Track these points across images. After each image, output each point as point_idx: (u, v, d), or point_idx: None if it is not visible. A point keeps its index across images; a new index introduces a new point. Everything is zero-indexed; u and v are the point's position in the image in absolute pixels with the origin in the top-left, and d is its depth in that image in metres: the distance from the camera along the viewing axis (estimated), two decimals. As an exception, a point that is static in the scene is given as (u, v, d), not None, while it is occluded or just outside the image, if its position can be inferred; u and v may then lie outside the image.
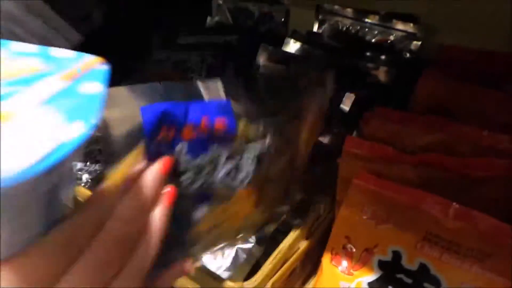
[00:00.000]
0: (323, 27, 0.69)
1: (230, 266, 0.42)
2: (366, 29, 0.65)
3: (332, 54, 0.59)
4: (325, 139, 0.50)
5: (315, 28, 0.70)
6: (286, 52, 0.60)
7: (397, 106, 0.52)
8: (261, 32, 0.73)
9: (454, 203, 0.38)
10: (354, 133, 0.51)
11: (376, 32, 0.64)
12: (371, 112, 0.49)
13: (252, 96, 0.33)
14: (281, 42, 0.66)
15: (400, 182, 0.42)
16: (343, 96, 0.53)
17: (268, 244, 0.44)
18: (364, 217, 0.41)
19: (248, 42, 0.67)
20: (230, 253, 0.43)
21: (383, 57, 0.57)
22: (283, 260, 0.39)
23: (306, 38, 0.63)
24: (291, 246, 0.40)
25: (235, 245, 0.43)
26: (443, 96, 0.49)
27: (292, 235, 0.41)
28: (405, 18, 0.62)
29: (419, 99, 0.50)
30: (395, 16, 0.63)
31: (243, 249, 0.43)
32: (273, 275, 0.38)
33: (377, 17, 0.64)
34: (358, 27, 0.66)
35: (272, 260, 0.37)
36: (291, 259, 0.40)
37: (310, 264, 0.43)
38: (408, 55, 0.60)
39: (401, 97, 0.54)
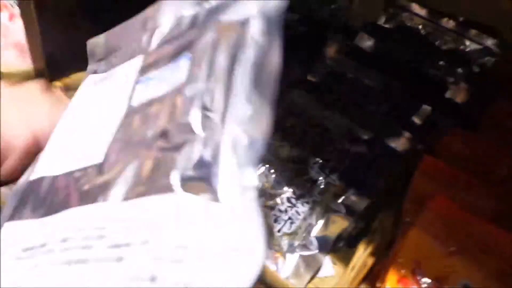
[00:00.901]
0: (391, 22, 0.66)
1: (292, 273, 0.41)
2: (438, 34, 0.62)
3: (406, 57, 0.57)
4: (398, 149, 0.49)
5: (381, 21, 0.66)
6: (362, 48, 0.57)
7: (464, 126, 0.51)
8: (324, 16, 0.69)
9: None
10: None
11: (449, 38, 0.61)
12: (447, 132, 0.48)
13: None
14: (345, 30, 0.63)
15: (473, 210, 0.42)
16: (416, 106, 0.52)
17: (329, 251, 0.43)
18: (437, 244, 0.40)
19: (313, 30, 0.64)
20: (291, 259, 0.42)
21: (459, 70, 0.55)
22: (355, 277, 0.39)
23: (379, 34, 0.60)
24: (363, 263, 0.39)
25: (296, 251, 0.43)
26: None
27: (362, 251, 0.40)
28: (484, 30, 0.59)
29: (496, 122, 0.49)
30: (473, 26, 0.60)
31: (304, 256, 0.42)
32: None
33: (453, 23, 0.61)
34: (430, 30, 0.63)
35: (347, 277, 0.37)
36: (360, 276, 0.40)
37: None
38: (479, 70, 0.58)
39: (470, 115, 0.53)
